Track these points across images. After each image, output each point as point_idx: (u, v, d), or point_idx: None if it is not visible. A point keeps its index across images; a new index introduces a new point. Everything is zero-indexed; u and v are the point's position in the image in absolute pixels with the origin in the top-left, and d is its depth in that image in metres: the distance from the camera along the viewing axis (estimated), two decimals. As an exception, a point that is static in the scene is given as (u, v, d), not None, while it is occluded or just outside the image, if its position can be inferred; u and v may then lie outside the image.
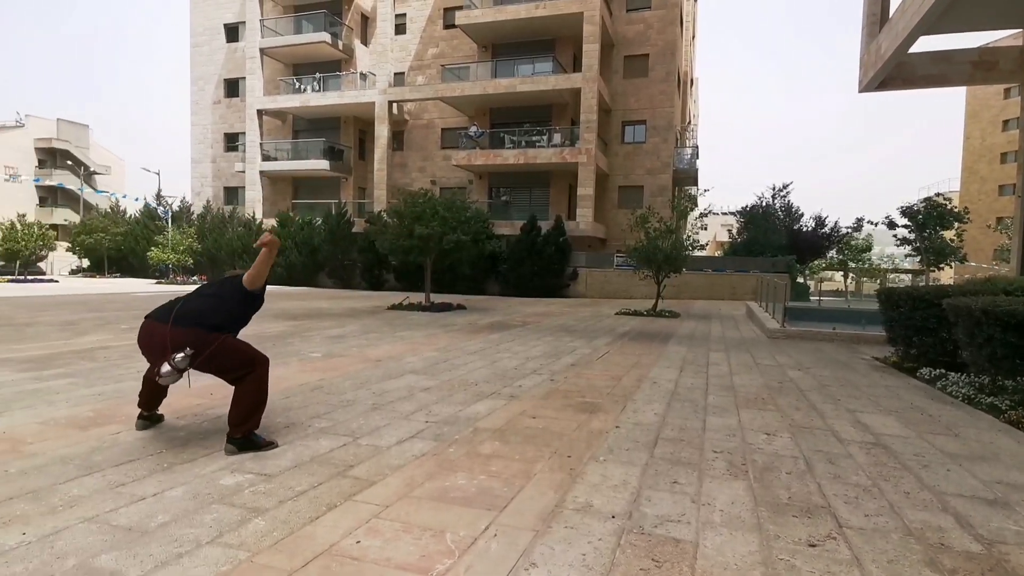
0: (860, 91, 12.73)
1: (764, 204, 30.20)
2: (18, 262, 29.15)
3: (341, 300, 16.84)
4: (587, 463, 3.16)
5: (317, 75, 28.53)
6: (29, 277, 27.52)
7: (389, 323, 10.56)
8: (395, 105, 26.68)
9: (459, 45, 26.75)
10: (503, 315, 13.00)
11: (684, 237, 14.24)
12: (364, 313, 12.55)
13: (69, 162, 51.82)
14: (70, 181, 49.41)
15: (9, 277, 27.09)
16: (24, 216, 30.54)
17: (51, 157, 51.94)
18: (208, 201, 30.91)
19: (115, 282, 26.65)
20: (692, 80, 40.11)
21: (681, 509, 2.57)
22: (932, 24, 9.55)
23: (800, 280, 24.83)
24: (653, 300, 14.38)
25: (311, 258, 24.90)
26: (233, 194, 31.10)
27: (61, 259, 36.61)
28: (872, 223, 29.43)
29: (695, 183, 27.65)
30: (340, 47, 27.93)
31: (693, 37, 38.49)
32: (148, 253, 27.45)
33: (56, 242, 32.04)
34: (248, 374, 3.33)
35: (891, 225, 28.66)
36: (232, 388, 3.38)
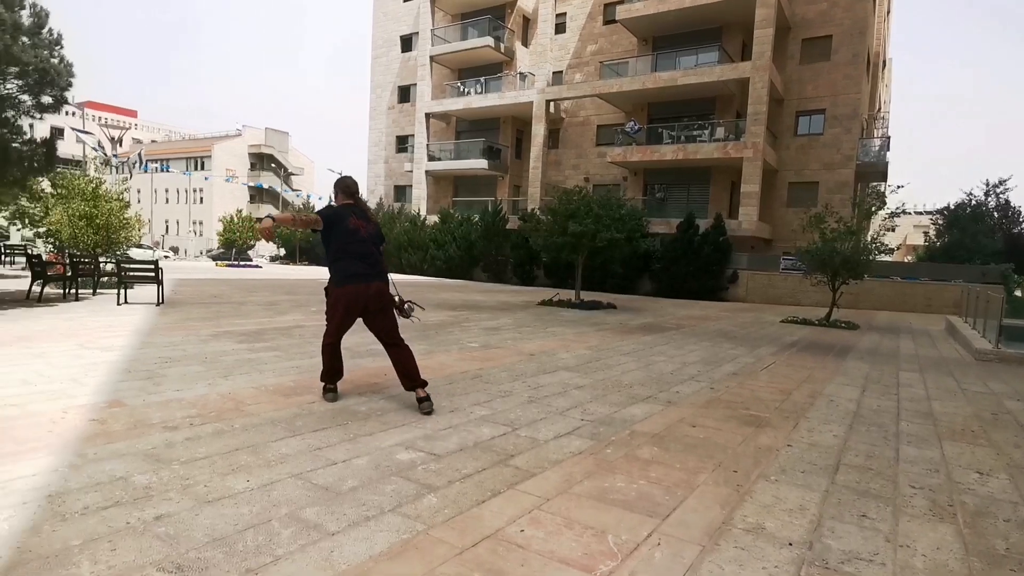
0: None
1: (973, 202, 25.80)
2: (233, 250, 34.56)
3: (494, 294, 17.55)
4: (756, 481, 2.95)
5: (480, 78, 29.97)
6: (241, 263, 32.56)
7: (540, 318, 10.78)
8: (552, 103, 27.08)
9: (618, 40, 26.38)
10: (655, 316, 12.61)
11: (867, 239, 12.61)
12: (516, 307, 12.95)
13: (273, 165, 60.32)
14: (273, 181, 57.44)
15: (227, 262, 32.30)
16: (240, 211, 36.16)
17: (259, 160, 60.87)
18: (380, 198, 34.02)
19: (304, 269, 30.54)
20: (884, 62, 35.42)
21: (873, 547, 2.29)
22: None
23: (1020, 293, 20.79)
24: (825, 308, 12.97)
25: (468, 253, 26.26)
26: (401, 192, 33.87)
27: (264, 248, 42.74)
28: None
29: (883, 179, 24.40)
30: (502, 50, 29.02)
31: (888, 12, 33.94)
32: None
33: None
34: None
35: None
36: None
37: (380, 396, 4.29)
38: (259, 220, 4.79)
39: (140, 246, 39.14)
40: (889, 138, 23.87)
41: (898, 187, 12.69)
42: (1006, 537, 2.44)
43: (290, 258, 36.76)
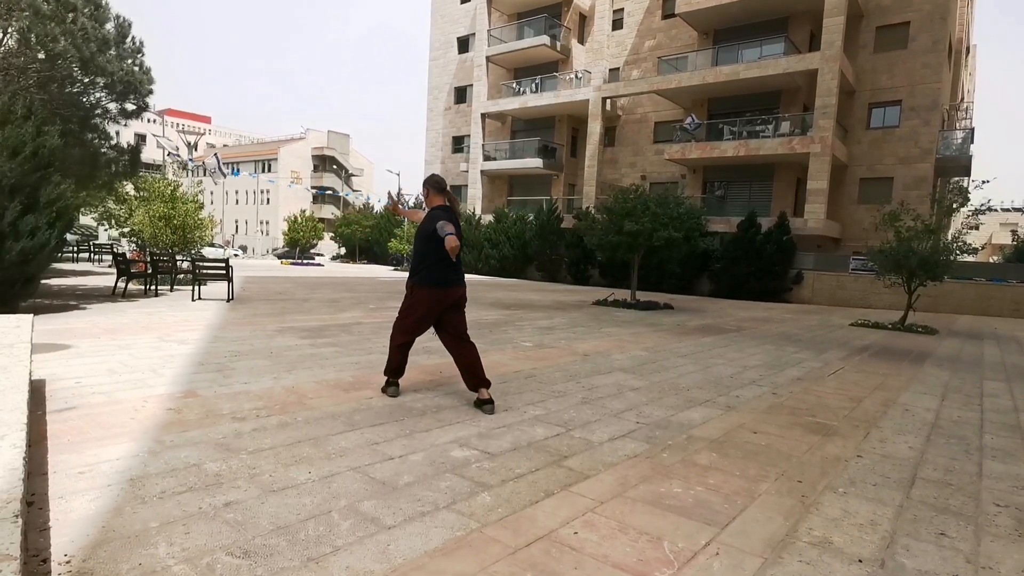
0: None
1: (1071, 198, 23.66)
2: (297, 248, 35.97)
3: (548, 293, 17.51)
4: (822, 492, 2.81)
5: (536, 78, 29.96)
6: (304, 261, 33.86)
7: (595, 318, 10.68)
8: (608, 101, 26.75)
9: (677, 35, 25.76)
10: (714, 317, 12.25)
11: (948, 238, 11.78)
12: (570, 307, 12.87)
13: (334, 166, 62.42)
14: (334, 182, 59.46)
15: (291, 260, 33.67)
16: (304, 211, 37.63)
17: (322, 162, 63.11)
18: (437, 198, 34.61)
19: (364, 267, 31.44)
20: (967, 48, 33.05)
21: (952, 568, 2.13)
22: None
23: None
24: (899, 311, 12.23)
25: (522, 251, 26.32)
26: (457, 192, 34.30)
27: (326, 246, 44.31)
28: None
29: (967, 173, 22.76)
30: (558, 48, 28.91)
31: (972, -5, 31.63)
32: (388, 244, 31.77)
33: (324, 232, 38.96)
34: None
35: None
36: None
37: (436, 393, 4.36)
38: (392, 202, 6.24)
39: (212, 245, 41.46)
40: (973, 130, 22.23)
41: (983, 182, 11.79)
42: (1109, 565, 2.23)
43: (350, 256, 37.96)
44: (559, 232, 25.50)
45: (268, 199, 62.77)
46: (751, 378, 5.68)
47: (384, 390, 4.23)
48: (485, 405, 3.91)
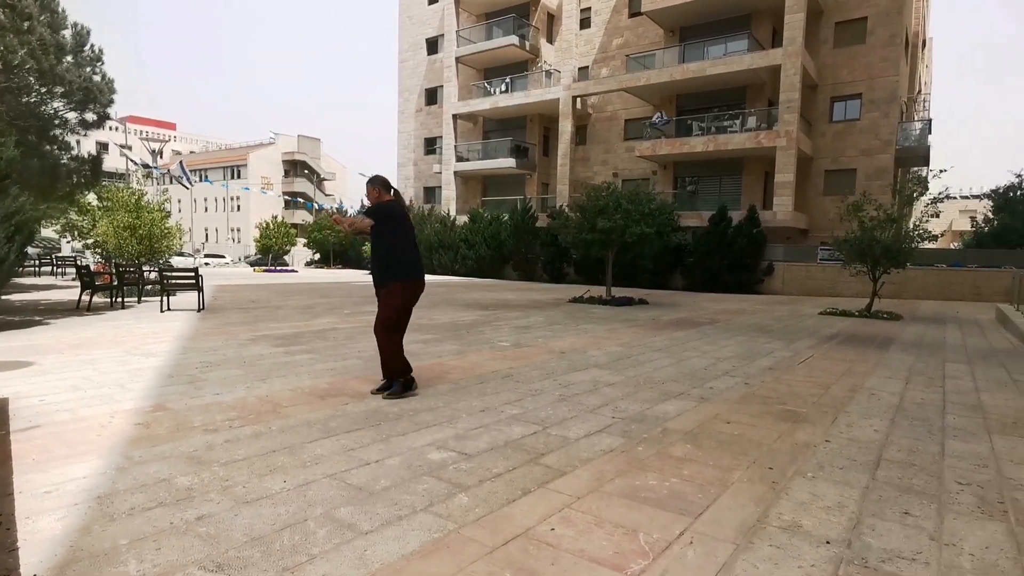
0: None
1: (1024, 184, 24.66)
2: (270, 255, 35.42)
3: (525, 292, 17.56)
4: (792, 478, 2.88)
5: (506, 78, 29.98)
6: (277, 267, 33.36)
7: (571, 316, 10.74)
8: (578, 100, 26.90)
9: (644, 33, 26.04)
10: (689, 311, 12.43)
11: (910, 226, 12.15)
12: (547, 305, 12.93)
13: (305, 171, 61.59)
14: (306, 187, 58.69)
15: (264, 267, 33.15)
16: (276, 217, 37.06)
17: (293, 167, 62.20)
18: (410, 200, 34.37)
19: (338, 273, 31.11)
20: (924, 42, 34.06)
21: (916, 546, 2.21)
22: None
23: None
24: (866, 299, 12.56)
25: (498, 252, 26.33)
26: (431, 193, 34.16)
27: (299, 253, 43.70)
28: None
29: (925, 163, 23.47)
30: (527, 48, 28.97)
31: (926, -10, 32.60)
32: (363, 248, 31.49)
33: (296, 238, 38.44)
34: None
35: None
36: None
37: (412, 396, 4.34)
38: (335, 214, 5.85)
39: (182, 254, 40.57)
40: (930, 120, 22.96)
41: (940, 171, 12.17)
42: (1062, 535, 2.33)
43: (324, 262, 37.51)
44: (534, 231, 25.58)
45: (239, 206, 61.62)
46: (724, 369, 5.79)
47: (407, 391, 4.36)
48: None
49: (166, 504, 2.40)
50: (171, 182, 26.32)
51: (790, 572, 2.00)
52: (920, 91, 30.80)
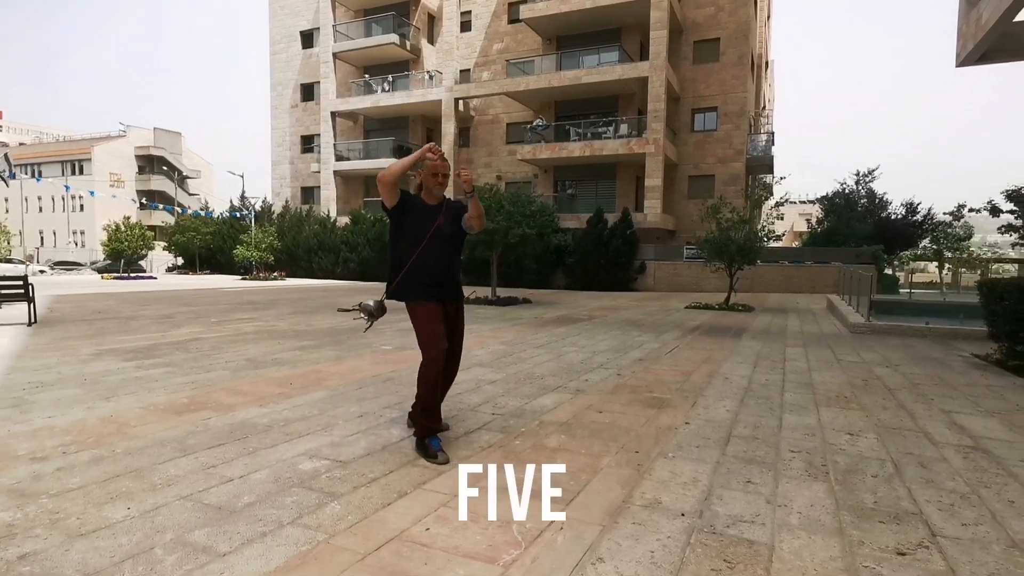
0: (957, 66, 11.57)
1: (846, 191, 28.47)
2: (122, 260, 31.80)
3: (410, 294, 17.26)
4: (655, 459, 3.10)
5: (388, 76, 29.36)
6: (132, 275, 30.01)
7: (456, 317, 10.73)
8: (461, 102, 27.02)
9: (524, 39, 26.75)
10: (569, 309, 12.94)
11: (759, 227, 13.62)
12: (432, 307, 12.81)
13: (164, 168, 55.98)
14: (165, 185, 53.43)
15: (115, 275, 29.64)
16: (128, 219, 33.29)
17: (149, 163, 56.29)
18: (287, 201, 32.53)
19: (206, 279, 28.60)
20: (767, 63, 38.24)
21: (755, 510, 2.47)
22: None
23: (888, 271, 23.18)
24: (725, 294, 13.87)
25: (382, 254, 25.68)
26: (309, 193, 32.57)
27: (159, 258, 39.63)
28: (975, 210, 26.99)
29: (770, 171, 26.41)
30: (408, 47, 28.59)
31: (768, 17, 36.64)
32: (234, 251, 29.24)
33: (154, 242, 34.77)
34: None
35: (994, 211, 26.02)
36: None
37: (284, 406, 4.11)
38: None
39: (10, 260, 35.16)
40: (773, 133, 25.85)
41: (781, 178, 13.78)
42: (874, 491, 2.72)
43: (189, 267, 34.32)
44: (419, 233, 25.25)
45: (81, 205, 54.59)
46: (599, 362, 6.09)
47: (436, 459, 3.02)
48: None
49: (-25, 547, 2.07)
50: (5, 182, 22.70)
51: (649, 545, 2.14)
52: (764, 107, 34.51)
